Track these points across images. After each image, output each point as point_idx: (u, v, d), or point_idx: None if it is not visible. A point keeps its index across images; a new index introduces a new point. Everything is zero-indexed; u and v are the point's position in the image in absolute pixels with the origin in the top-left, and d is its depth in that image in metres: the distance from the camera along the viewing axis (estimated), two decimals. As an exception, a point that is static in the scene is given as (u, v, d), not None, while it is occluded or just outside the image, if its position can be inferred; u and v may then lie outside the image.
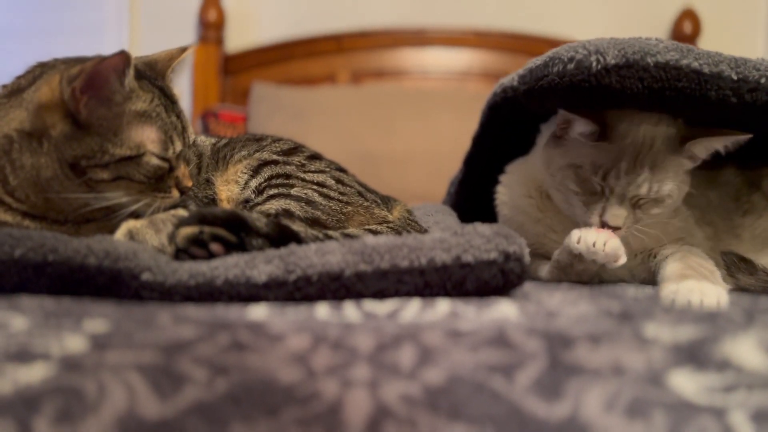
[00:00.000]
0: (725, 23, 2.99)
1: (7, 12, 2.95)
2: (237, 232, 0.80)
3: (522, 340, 0.54)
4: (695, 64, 0.96)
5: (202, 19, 2.90)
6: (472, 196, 1.37)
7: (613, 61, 0.96)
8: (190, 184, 0.92)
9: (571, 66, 0.98)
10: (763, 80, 0.97)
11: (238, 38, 2.99)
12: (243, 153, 1.04)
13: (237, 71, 2.97)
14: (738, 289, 1.02)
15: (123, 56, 0.84)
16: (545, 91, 1.03)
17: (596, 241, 0.97)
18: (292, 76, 2.94)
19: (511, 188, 1.23)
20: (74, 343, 0.52)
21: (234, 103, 2.90)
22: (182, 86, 2.96)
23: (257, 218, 0.82)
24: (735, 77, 0.97)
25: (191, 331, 0.56)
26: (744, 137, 1.01)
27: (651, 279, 1.07)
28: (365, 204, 1.05)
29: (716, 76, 0.97)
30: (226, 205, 0.99)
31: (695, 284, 0.88)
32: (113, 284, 0.74)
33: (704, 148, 1.03)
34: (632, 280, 1.11)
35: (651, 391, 0.49)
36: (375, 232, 0.97)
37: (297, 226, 0.89)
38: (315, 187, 1.01)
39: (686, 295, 0.86)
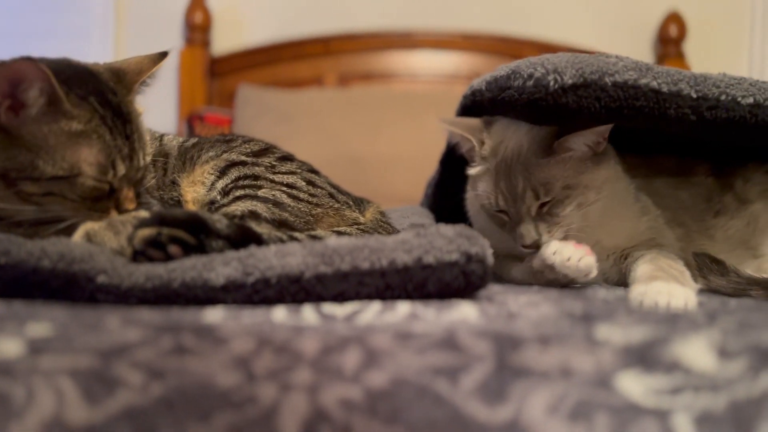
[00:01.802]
0: (711, 26, 2.99)
1: (-7, 15, 2.94)
2: (197, 233, 0.78)
3: (471, 343, 0.53)
4: (654, 84, 0.96)
5: (188, 21, 2.89)
6: (448, 197, 1.36)
7: (570, 81, 0.95)
8: (132, 206, 0.89)
9: (530, 83, 0.98)
10: (723, 97, 0.97)
11: (225, 40, 2.98)
12: (210, 154, 1.03)
13: (224, 74, 2.96)
14: (709, 290, 1.01)
15: (29, 66, 0.80)
16: (507, 103, 1.03)
17: (572, 256, 0.98)
18: (279, 79, 2.92)
19: (473, 198, 1.23)
20: (10, 347, 0.51)
21: (221, 106, 2.88)
22: (168, 89, 2.95)
23: (218, 220, 0.80)
24: (694, 95, 0.97)
25: (135, 334, 0.54)
26: (605, 127, 1.01)
27: (623, 281, 1.06)
28: (336, 206, 1.04)
29: (675, 95, 0.97)
30: (191, 207, 0.98)
31: (663, 286, 0.87)
32: (68, 287, 0.73)
33: (575, 143, 1.03)
34: (605, 282, 1.10)
35: (597, 394, 0.48)
36: (343, 234, 0.96)
37: (261, 228, 0.88)
38: (284, 188, 0.99)
39: (654, 297, 0.85)
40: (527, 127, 1.06)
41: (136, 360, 0.50)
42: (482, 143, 1.08)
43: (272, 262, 0.74)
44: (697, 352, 0.52)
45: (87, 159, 0.84)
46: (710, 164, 1.21)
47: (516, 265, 1.10)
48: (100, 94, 0.87)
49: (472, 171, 1.11)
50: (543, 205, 1.03)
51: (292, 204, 0.97)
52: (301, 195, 1.00)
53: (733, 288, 0.99)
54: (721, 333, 0.54)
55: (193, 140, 1.10)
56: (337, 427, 0.44)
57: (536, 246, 1.02)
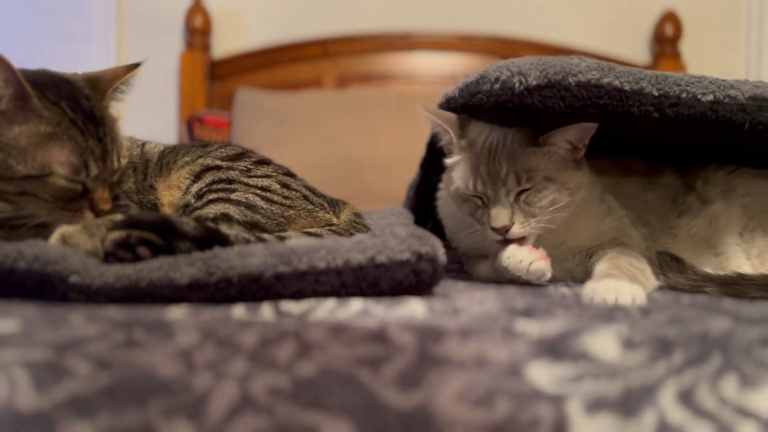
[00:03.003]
0: (707, 25, 3.01)
1: (-2, 21, 3.01)
2: (165, 235, 0.83)
3: (398, 336, 0.57)
4: (616, 83, 1.00)
5: (188, 24, 2.94)
6: (428, 199, 1.40)
7: (534, 82, 0.99)
8: (107, 207, 0.93)
9: (497, 86, 1.02)
10: (683, 95, 1.00)
11: (225, 43, 3.03)
12: (186, 159, 1.07)
13: (224, 76, 3.01)
14: (669, 287, 1.05)
15: None
16: (478, 108, 1.07)
17: (523, 260, 1.02)
18: (278, 81, 2.97)
19: (446, 197, 1.27)
20: (-25, 341, 0.56)
21: (221, 109, 2.94)
22: (169, 92, 3.01)
23: (186, 222, 0.85)
24: (656, 93, 1.00)
25: (93, 329, 0.59)
26: (588, 125, 1.05)
27: (589, 278, 1.10)
28: (308, 207, 1.08)
29: (638, 93, 1.00)
30: (167, 210, 1.03)
31: (613, 283, 0.91)
32: (42, 287, 0.77)
33: (557, 139, 1.07)
34: (572, 280, 1.14)
35: (506, 382, 0.52)
36: (313, 235, 1.00)
37: (232, 230, 0.92)
38: (258, 191, 1.04)
39: (602, 294, 0.89)
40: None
41: (87, 352, 0.54)
42: (460, 136, 1.12)
43: (234, 262, 0.79)
44: (604, 343, 0.56)
45: (58, 159, 0.88)
46: (677, 167, 1.24)
47: (483, 263, 1.14)
48: (72, 100, 0.91)
49: (449, 161, 1.15)
50: (521, 193, 1.06)
51: (264, 206, 1.02)
52: (275, 198, 1.05)
53: (690, 285, 1.02)
54: (629, 326, 0.58)
55: (172, 146, 1.14)
56: (260, 410, 0.48)
57: (505, 231, 1.05)
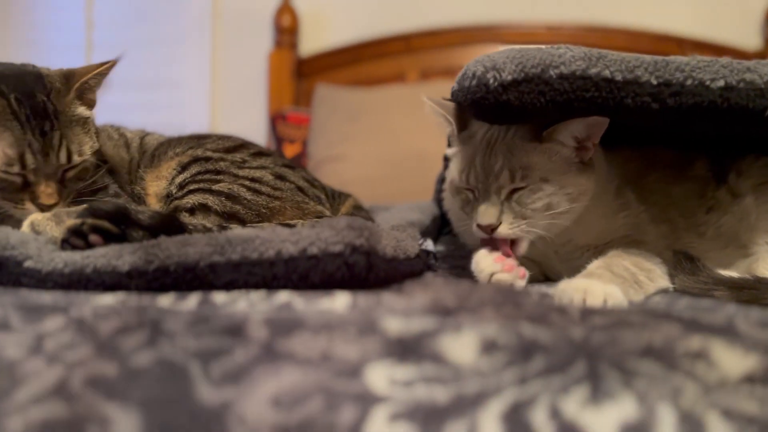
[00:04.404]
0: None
1: (103, 28, 3.24)
2: (120, 224, 0.85)
3: (254, 329, 0.55)
4: (606, 73, 0.89)
5: (277, 24, 3.02)
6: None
7: (509, 77, 0.90)
8: (50, 202, 0.95)
9: (474, 83, 0.93)
10: (688, 82, 0.89)
11: (311, 42, 3.08)
12: (177, 150, 1.09)
13: (309, 74, 3.06)
14: (677, 290, 0.94)
15: None
16: (469, 104, 1.00)
17: (484, 269, 0.96)
18: (361, 77, 2.98)
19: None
20: None
21: (306, 106, 2.99)
22: (258, 90, 3.11)
23: (141, 211, 0.86)
24: (655, 82, 0.89)
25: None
26: (596, 120, 0.95)
27: None
28: (298, 199, 1.07)
29: (632, 83, 0.90)
30: (152, 200, 1.05)
31: (584, 283, 0.83)
32: (0, 271, 0.81)
33: (562, 134, 0.97)
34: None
35: (336, 382, 0.48)
36: (289, 226, 0.99)
37: (207, 220, 0.93)
38: (247, 182, 1.04)
39: (570, 294, 0.81)
40: None
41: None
42: (462, 127, 1.06)
43: (172, 251, 0.79)
44: (462, 344, 0.50)
45: None
46: (711, 158, 1.11)
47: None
48: (25, 93, 0.94)
49: (449, 151, 1.10)
50: (515, 191, 0.98)
51: (249, 197, 1.02)
52: (263, 189, 1.04)
53: (699, 288, 0.91)
54: (498, 328, 0.52)
55: (172, 138, 1.17)
56: (67, 399, 0.47)
57: (491, 230, 0.97)
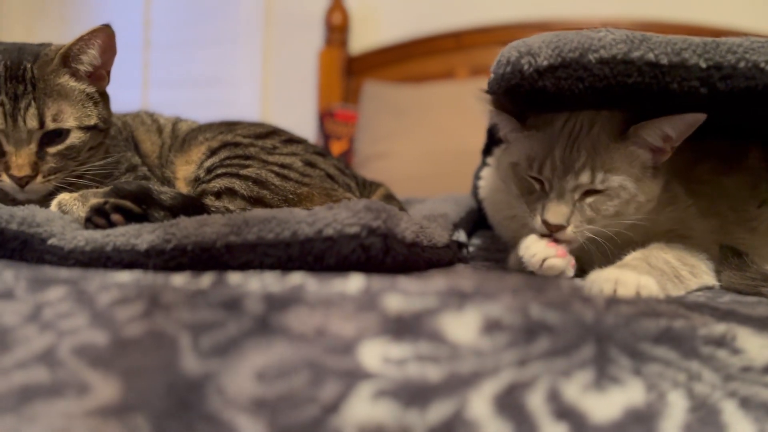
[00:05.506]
0: None
1: (160, 27, 3.31)
2: (142, 204, 0.85)
3: (250, 303, 0.53)
4: (650, 56, 0.83)
5: (327, 22, 3.02)
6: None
7: (545, 63, 0.85)
8: (20, 174, 0.93)
9: (508, 69, 0.88)
10: (741, 64, 0.82)
11: (361, 39, 3.08)
12: (207, 135, 1.09)
13: (359, 72, 3.06)
14: (726, 287, 0.88)
15: None
16: (504, 92, 0.95)
17: (537, 254, 0.88)
18: (410, 75, 2.96)
19: (490, 176, 1.16)
20: None
21: (355, 103, 2.99)
22: (309, 88, 3.12)
23: (164, 192, 0.86)
24: (704, 65, 0.83)
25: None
26: (697, 116, 0.87)
27: None
28: (327, 186, 1.05)
29: (678, 66, 0.83)
30: (181, 184, 1.05)
31: (615, 273, 0.78)
32: (24, 248, 0.82)
33: (653, 132, 0.89)
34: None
35: (326, 357, 0.45)
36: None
37: (233, 204, 0.92)
38: (276, 168, 1.03)
39: (600, 284, 0.77)
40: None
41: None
42: (522, 127, 0.97)
43: (189, 230, 0.78)
44: (463, 324, 0.47)
45: None
46: (765, 148, 1.04)
47: (513, 252, 1.03)
48: (15, 62, 0.94)
49: (511, 136, 1.01)
50: (590, 192, 0.91)
51: (277, 183, 1.00)
52: (292, 175, 1.03)
53: (746, 285, 0.85)
54: (504, 309, 0.49)
55: (204, 124, 1.16)
56: (51, 365, 0.46)
57: (556, 229, 0.90)
